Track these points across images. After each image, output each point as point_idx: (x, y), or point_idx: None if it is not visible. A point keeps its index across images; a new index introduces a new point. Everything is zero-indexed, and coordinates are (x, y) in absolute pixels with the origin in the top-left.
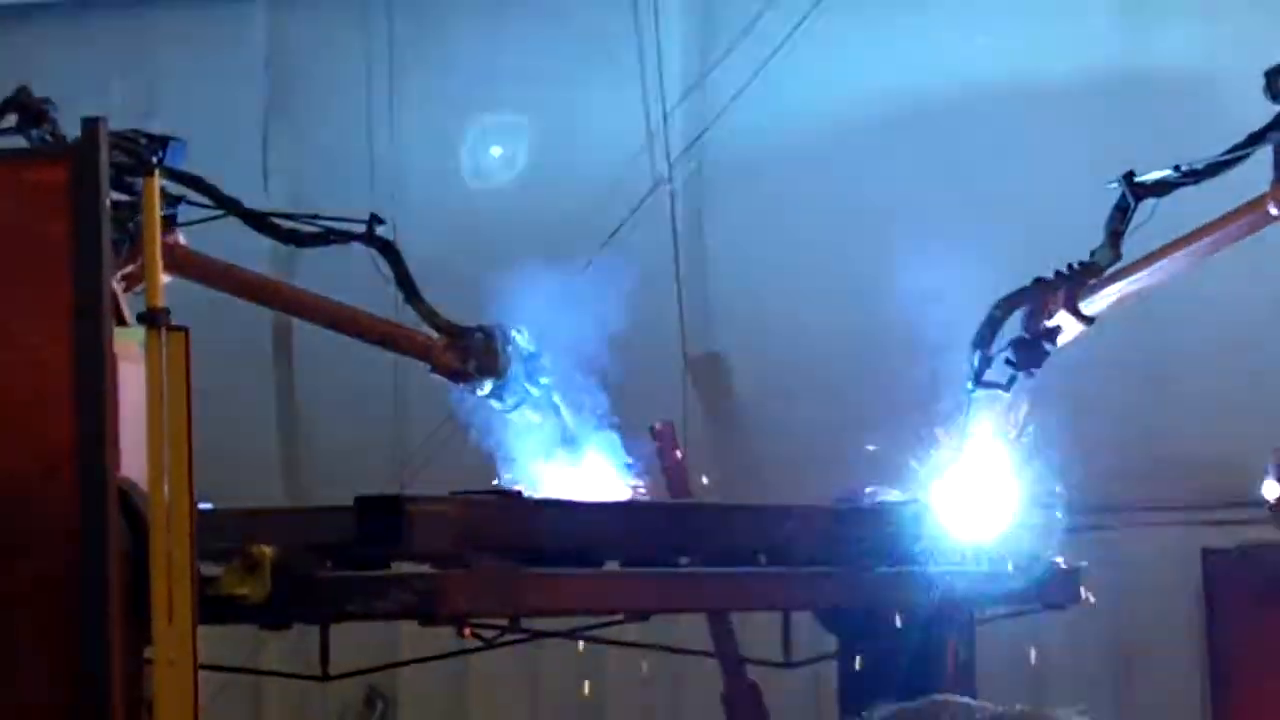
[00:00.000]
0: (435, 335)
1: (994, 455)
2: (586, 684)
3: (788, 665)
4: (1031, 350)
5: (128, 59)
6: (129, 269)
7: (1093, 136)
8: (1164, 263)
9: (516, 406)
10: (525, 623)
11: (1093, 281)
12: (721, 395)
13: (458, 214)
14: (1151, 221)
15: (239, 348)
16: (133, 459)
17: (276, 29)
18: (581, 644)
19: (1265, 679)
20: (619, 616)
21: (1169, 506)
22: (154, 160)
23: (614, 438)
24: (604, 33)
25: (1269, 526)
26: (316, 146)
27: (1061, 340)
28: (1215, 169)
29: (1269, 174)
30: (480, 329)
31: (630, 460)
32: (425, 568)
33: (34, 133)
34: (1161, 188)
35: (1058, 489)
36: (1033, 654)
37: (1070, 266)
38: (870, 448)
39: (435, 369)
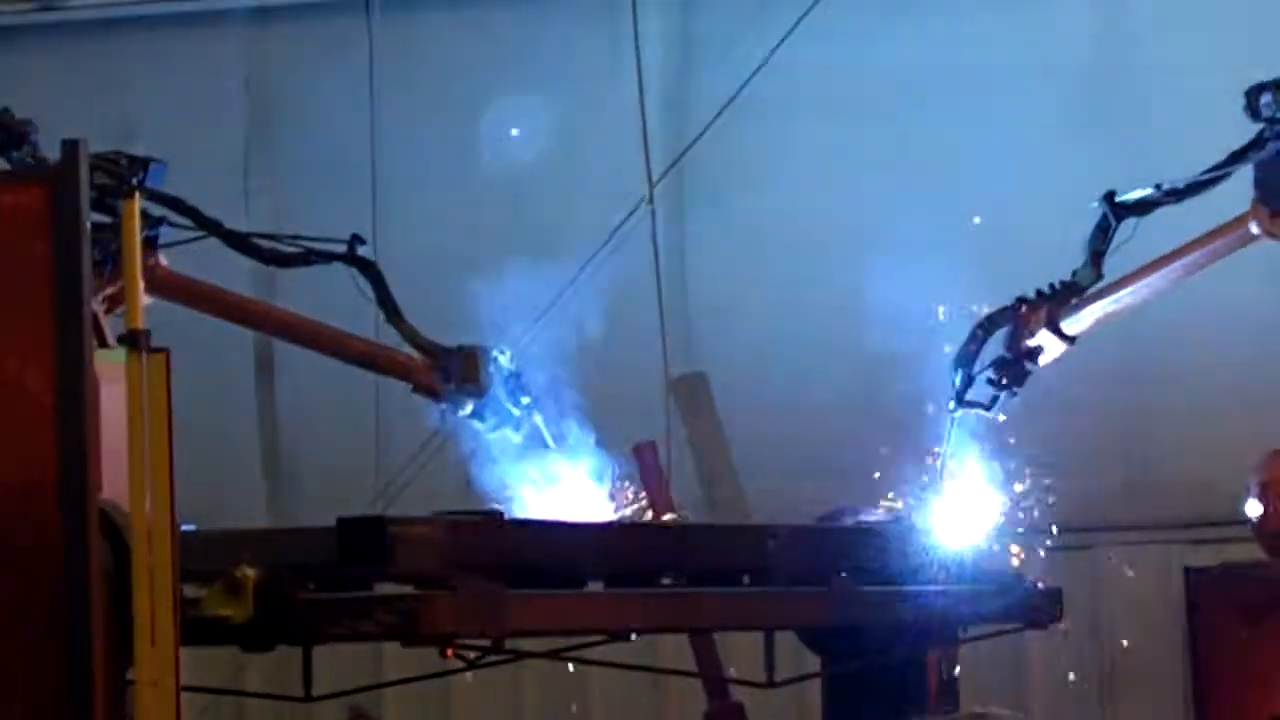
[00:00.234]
0: (417, 355)
1: (976, 473)
2: (570, 705)
3: (771, 685)
4: (1013, 369)
5: (108, 81)
6: (111, 290)
7: (1074, 152)
8: (1146, 282)
9: (498, 427)
10: (509, 643)
11: (1074, 301)
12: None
13: (439, 234)
14: (1131, 240)
15: (221, 369)
16: (115, 480)
17: (256, 50)
18: (565, 664)
19: (1248, 696)
20: (602, 637)
21: (1152, 525)
22: (134, 182)
23: (595, 457)
24: (585, 52)
25: (1251, 545)
26: (297, 167)
27: (1043, 359)
28: (1196, 188)
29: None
30: (461, 349)
31: (612, 480)
32: (408, 589)
33: (14, 154)
34: (1142, 207)
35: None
36: (1016, 672)
37: (1052, 286)
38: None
39: (416, 389)
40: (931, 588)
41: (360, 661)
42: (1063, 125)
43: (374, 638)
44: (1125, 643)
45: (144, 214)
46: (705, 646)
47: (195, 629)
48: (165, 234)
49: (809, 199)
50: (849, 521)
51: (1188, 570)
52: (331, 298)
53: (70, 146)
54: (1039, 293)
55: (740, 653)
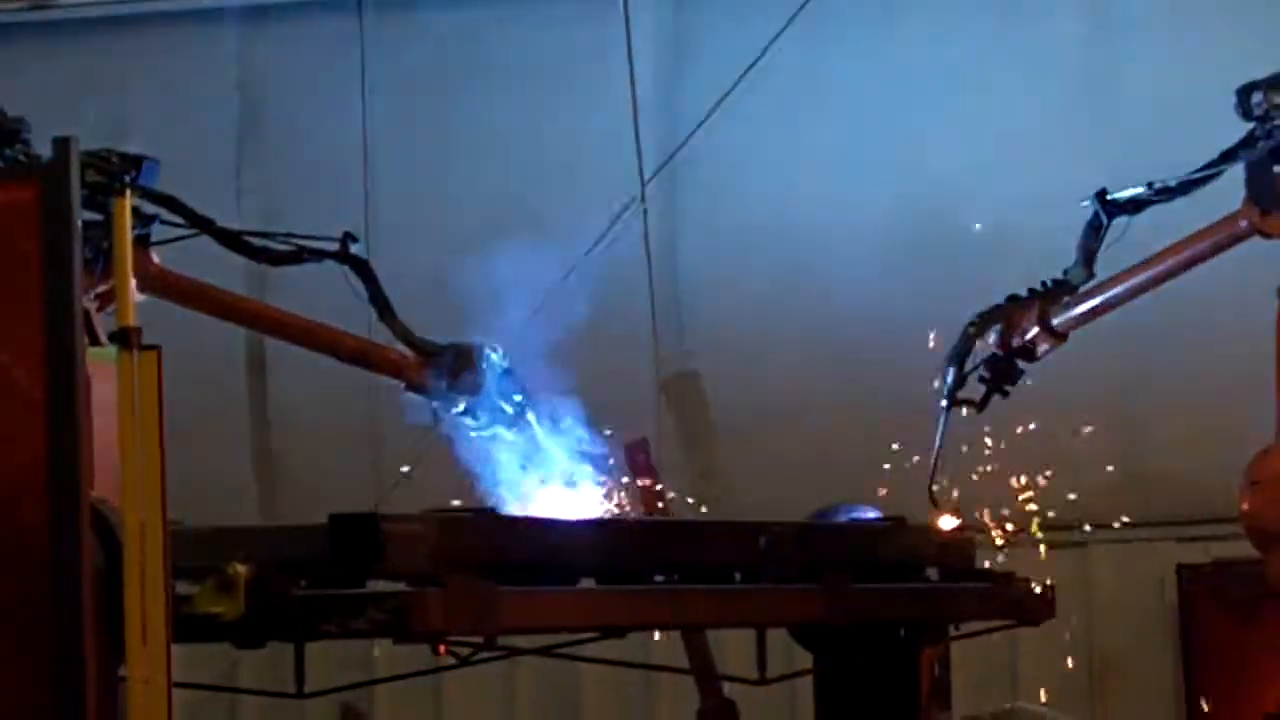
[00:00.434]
0: (409, 353)
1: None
2: (562, 702)
3: (763, 682)
4: (1005, 367)
5: (100, 79)
6: (102, 288)
7: (1065, 151)
8: (1137, 280)
9: (490, 424)
10: (501, 640)
11: (1066, 299)
12: (695, 411)
13: (430, 231)
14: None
15: (213, 366)
16: (106, 478)
17: (248, 48)
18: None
19: (1240, 693)
20: (594, 634)
21: (1144, 522)
22: (126, 179)
23: (587, 454)
24: (577, 51)
25: (1243, 542)
26: (289, 165)
27: (1035, 357)
28: (1188, 186)
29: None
30: (454, 347)
31: (604, 477)
32: (400, 586)
33: (7, 152)
34: (1134, 205)
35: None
36: (1007, 669)
37: (1044, 283)
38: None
39: (409, 387)
40: (923, 585)
41: (352, 658)
42: (1054, 123)
43: (366, 635)
44: (1117, 639)
45: (136, 212)
46: (697, 643)
47: (187, 626)
48: (157, 232)
49: (800, 197)
50: (841, 519)
51: (1179, 567)
52: (324, 296)
53: (61, 144)
54: (1031, 290)
55: (732, 650)
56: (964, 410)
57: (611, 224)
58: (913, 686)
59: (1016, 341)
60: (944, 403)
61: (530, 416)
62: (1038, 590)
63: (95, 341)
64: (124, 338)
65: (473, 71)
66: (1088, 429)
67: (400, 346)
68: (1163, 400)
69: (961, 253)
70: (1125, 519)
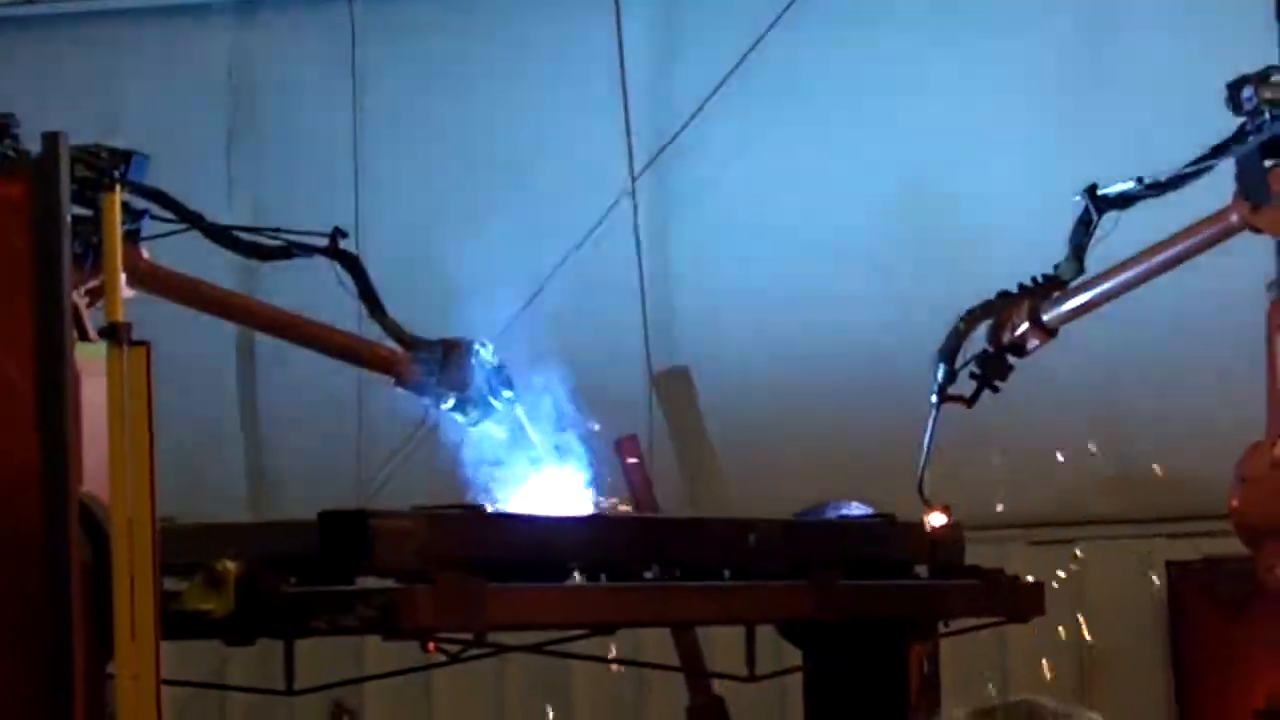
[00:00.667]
0: (399, 348)
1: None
2: (552, 698)
3: (752, 679)
4: (995, 363)
5: (90, 73)
6: (92, 283)
7: (1056, 146)
8: (1128, 275)
9: (480, 420)
10: (490, 637)
11: (1057, 294)
12: (686, 408)
13: (422, 227)
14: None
15: (203, 362)
16: (95, 474)
17: (240, 43)
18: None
19: (1230, 690)
20: (584, 631)
21: (1133, 519)
22: (115, 175)
23: (578, 451)
24: (568, 45)
25: (1233, 538)
26: (280, 159)
27: (1026, 353)
28: (1178, 181)
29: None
30: (444, 343)
31: (594, 473)
32: (390, 583)
33: None
34: (1124, 200)
35: None
36: (998, 666)
37: (1034, 279)
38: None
39: (399, 382)
40: (913, 581)
41: (342, 655)
42: (1045, 119)
43: (355, 631)
44: (1106, 637)
45: (126, 207)
46: (687, 640)
47: (176, 623)
48: (147, 227)
49: (792, 193)
50: (830, 515)
51: (1169, 564)
52: (314, 291)
53: (50, 139)
54: (1021, 286)
55: (721, 647)
56: (954, 406)
57: (602, 218)
58: (902, 683)
59: (1007, 337)
60: (934, 399)
61: (520, 412)
62: (1027, 587)
63: (85, 337)
64: (114, 333)
65: (464, 65)
66: (1077, 425)
67: (390, 342)
68: (1152, 396)
69: (952, 247)
70: (1115, 515)
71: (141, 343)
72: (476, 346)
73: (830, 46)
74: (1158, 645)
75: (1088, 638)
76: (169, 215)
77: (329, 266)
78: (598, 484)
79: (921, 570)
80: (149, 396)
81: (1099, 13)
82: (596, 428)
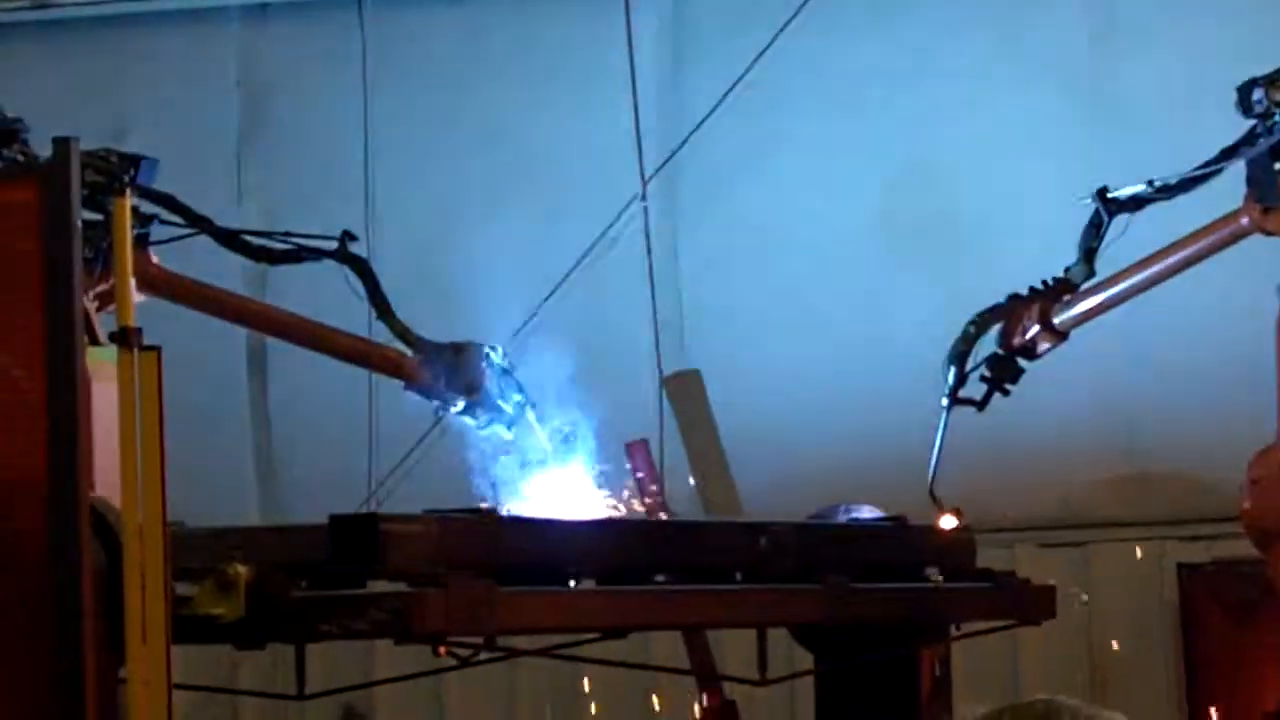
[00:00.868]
0: (409, 352)
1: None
2: (562, 702)
3: (763, 683)
4: (1007, 366)
5: (100, 78)
6: (102, 288)
7: (1068, 148)
8: (1139, 278)
9: (490, 424)
10: (501, 641)
11: (1068, 297)
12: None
13: (432, 231)
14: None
15: (213, 366)
16: (106, 478)
17: (250, 47)
18: (558, 662)
19: (1241, 693)
20: (595, 634)
21: (1144, 522)
22: (125, 179)
23: (588, 454)
24: (578, 49)
25: (1244, 541)
26: (290, 163)
27: (1036, 356)
28: (1188, 184)
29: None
30: (453, 346)
31: (604, 476)
32: (400, 586)
33: (5, 152)
34: (1135, 203)
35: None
36: (1009, 669)
37: (1045, 282)
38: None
39: (409, 387)
40: (924, 585)
41: (353, 659)
42: (1057, 121)
43: (366, 636)
44: (1117, 639)
45: (135, 211)
46: (698, 644)
47: (187, 627)
48: (156, 231)
49: (803, 195)
50: (841, 518)
51: (1180, 567)
52: (324, 295)
53: (61, 144)
54: (1032, 289)
55: (732, 650)
56: (965, 409)
57: (612, 222)
58: (914, 687)
59: (1018, 340)
60: (945, 402)
61: (530, 416)
62: (1038, 590)
63: (95, 341)
64: (124, 338)
65: (474, 69)
66: (1088, 427)
67: (400, 345)
68: (1163, 398)
69: (964, 251)
70: (1125, 518)
71: (152, 347)
72: (486, 350)
73: (841, 51)
74: (1168, 648)
75: (1098, 640)
76: (178, 219)
77: (339, 270)
78: (608, 487)
79: (933, 573)
80: (160, 401)
81: (1112, 14)
82: (607, 431)
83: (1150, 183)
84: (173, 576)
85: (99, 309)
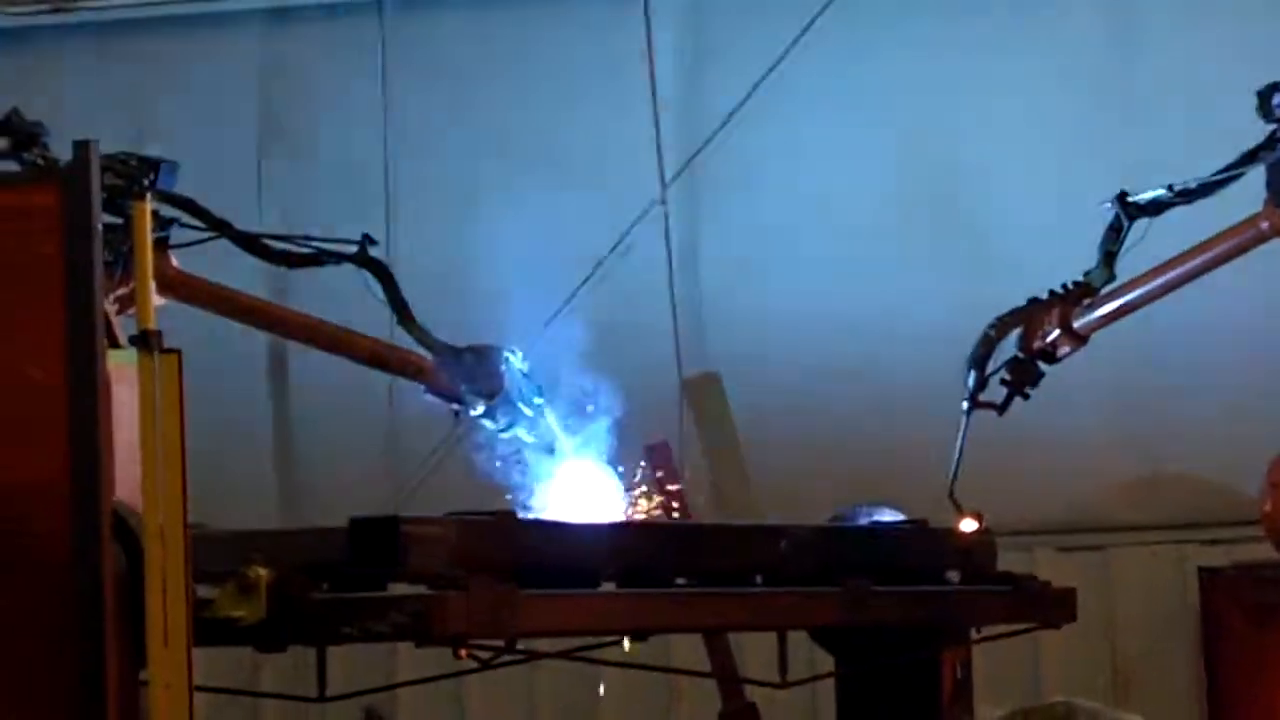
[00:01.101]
0: (428, 356)
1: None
2: (583, 705)
3: (784, 685)
4: (1026, 370)
5: (121, 82)
6: (122, 291)
7: (1085, 153)
8: (1158, 282)
9: (510, 427)
10: (522, 643)
11: (1087, 301)
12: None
13: (452, 234)
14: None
15: (234, 370)
16: (127, 481)
17: (270, 50)
18: (579, 665)
19: (1262, 697)
20: (616, 637)
21: (1165, 525)
22: (145, 183)
23: (608, 457)
24: (598, 53)
25: (1264, 544)
26: (310, 168)
27: (1056, 359)
28: (1208, 188)
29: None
30: (473, 350)
31: (625, 479)
32: (421, 589)
33: (25, 155)
34: (1155, 208)
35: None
36: (1030, 672)
37: (1065, 286)
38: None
39: (429, 390)
40: (944, 588)
41: (374, 662)
42: (1074, 126)
43: (387, 638)
44: (1137, 643)
45: (155, 215)
46: (719, 646)
47: (208, 630)
48: (176, 235)
49: (822, 200)
50: (862, 521)
51: (1200, 570)
52: (345, 299)
53: (81, 147)
54: (1051, 293)
55: (753, 652)
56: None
57: (632, 225)
58: (935, 690)
59: (1038, 344)
60: (965, 405)
61: (550, 418)
62: (1059, 593)
63: (115, 344)
64: (145, 341)
65: (494, 73)
66: (1108, 430)
67: (419, 349)
68: (1184, 402)
69: (986, 254)
70: (1146, 522)
71: (173, 350)
72: (506, 353)
73: (860, 53)
74: (1189, 651)
75: (1119, 643)
76: (198, 223)
77: (359, 274)
78: (628, 489)
79: (953, 576)
80: (180, 404)
81: (1129, 21)
82: (627, 434)
83: (1170, 187)
84: (194, 579)
85: (119, 312)
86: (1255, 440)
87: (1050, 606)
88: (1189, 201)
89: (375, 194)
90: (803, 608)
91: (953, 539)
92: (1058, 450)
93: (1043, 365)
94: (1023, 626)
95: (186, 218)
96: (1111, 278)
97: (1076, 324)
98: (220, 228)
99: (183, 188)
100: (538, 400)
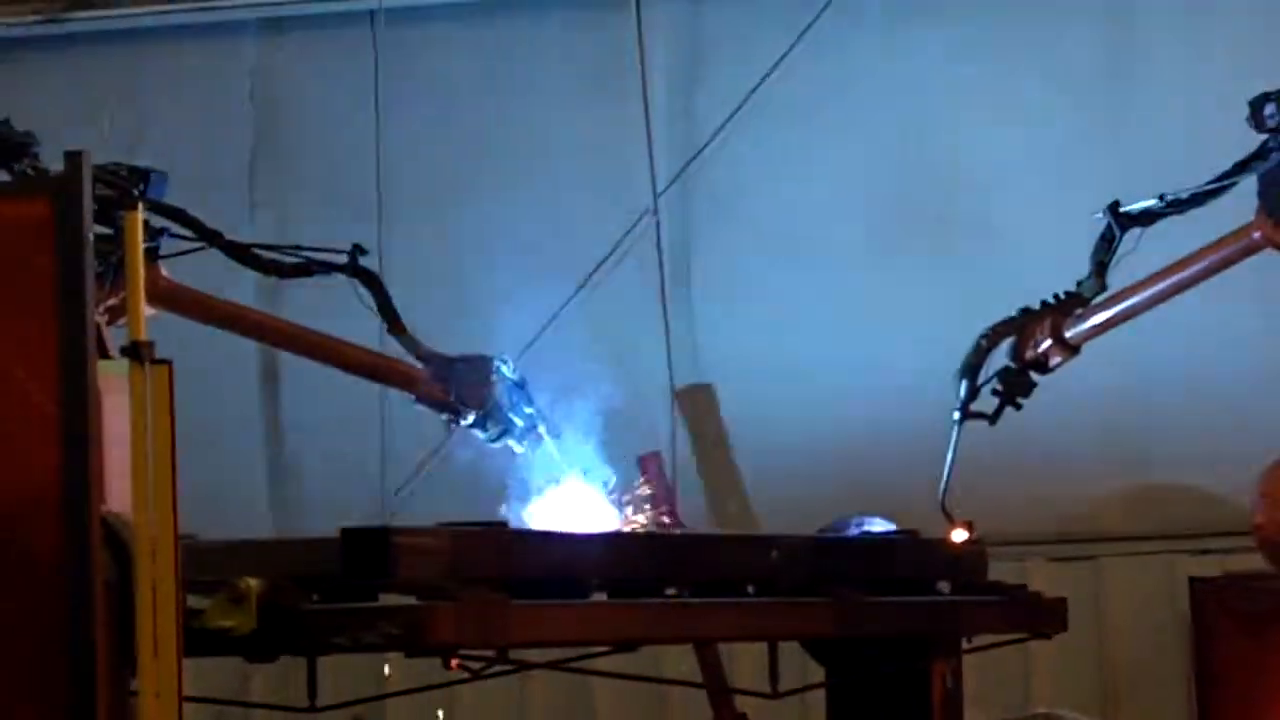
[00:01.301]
0: (419, 365)
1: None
2: (574, 715)
3: (775, 696)
4: (1018, 380)
5: (115, 92)
6: (112, 301)
7: (1081, 162)
8: (1150, 292)
9: (501, 437)
10: (513, 654)
11: (1079, 311)
12: (709, 424)
13: (444, 244)
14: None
15: (225, 380)
16: (118, 492)
17: (263, 61)
18: (569, 675)
19: (1253, 707)
20: (606, 647)
21: (1156, 535)
22: (135, 193)
23: (599, 467)
24: (590, 63)
25: (1256, 555)
26: (303, 178)
27: (1048, 369)
28: (1200, 198)
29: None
30: (463, 359)
31: (617, 490)
32: (412, 600)
33: (15, 166)
34: (1146, 218)
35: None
36: (1021, 682)
37: (1056, 296)
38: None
39: (420, 399)
40: (935, 598)
41: (364, 672)
42: (1070, 134)
43: (377, 649)
44: (1128, 653)
45: (145, 225)
46: (710, 657)
47: (198, 640)
48: (167, 245)
49: (815, 209)
50: (854, 532)
51: (1192, 581)
52: (337, 308)
53: (74, 158)
54: (1043, 303)
55: (744, 663)
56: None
57: (624, 235)
58: (925, 700)
59: (1029, 354)
60: (957, 415)
61: (541, 429)
62: (1050, 603)
63: (105, 355)
64: (136, 352)
65: (487, 84)
66: (1099, 440)
67: (410, 359)
68: (1175, 412)
69: (979, 263)
70: (1137, 532)
71: (164, 361)
72: (497, 363)
73: (853, 63)
74: (1180, 662)
75: (1110, 654)
76: (188, 233)
77: (350, 284)
78: (620, 500)
79: (944, 586)
80: (171, 415)
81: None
82: (619, 443)
83: (1162, 197)
84: (184, 589)
85: (109, 323)
86: (1247, 451)
87: (1041, 616)
88: (1181, 211)
89: (367, 204)
90: (793, 618)
91: (944, 549)
92: (1049, 460)
93: (1035, 375)
94: (1014, 636)
95: (176, 228)
96: (1103, 288)
97: (1068, 334)
98: (211, 238)
99: (176, 197)
100: (529, 410)
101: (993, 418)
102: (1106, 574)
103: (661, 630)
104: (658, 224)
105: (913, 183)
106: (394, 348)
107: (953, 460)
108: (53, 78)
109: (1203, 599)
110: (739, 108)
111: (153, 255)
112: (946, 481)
